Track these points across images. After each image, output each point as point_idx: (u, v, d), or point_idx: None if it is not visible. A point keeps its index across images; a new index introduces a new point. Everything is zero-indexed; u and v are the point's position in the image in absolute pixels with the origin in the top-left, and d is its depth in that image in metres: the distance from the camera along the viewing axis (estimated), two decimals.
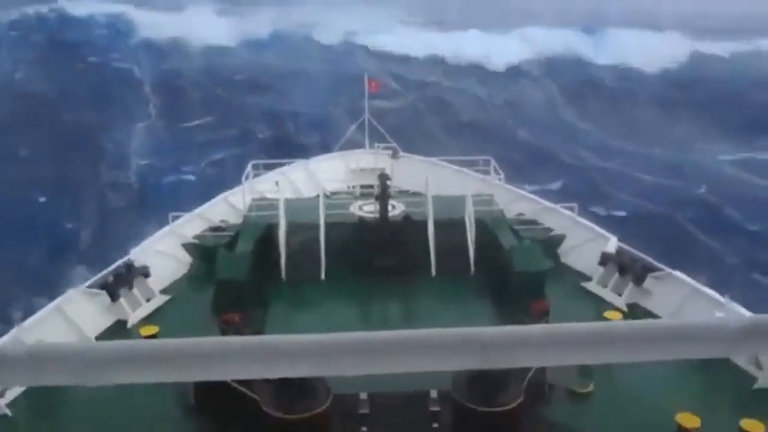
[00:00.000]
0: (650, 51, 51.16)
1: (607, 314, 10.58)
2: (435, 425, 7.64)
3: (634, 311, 11.24)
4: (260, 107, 39.26)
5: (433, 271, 11.99)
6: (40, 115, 35.10)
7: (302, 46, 54.62)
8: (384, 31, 56.72)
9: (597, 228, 13.39)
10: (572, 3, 64.40)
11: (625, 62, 50.65)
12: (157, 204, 23.06)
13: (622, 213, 25.98)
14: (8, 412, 8.23)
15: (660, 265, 11.74)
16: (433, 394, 7.86)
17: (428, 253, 12.07)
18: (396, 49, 53.95)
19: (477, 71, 49.49)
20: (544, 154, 32.34)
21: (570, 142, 34.65)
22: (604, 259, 12.17)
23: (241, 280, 10.87)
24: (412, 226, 12.37)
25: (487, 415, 7.39)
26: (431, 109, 40.01)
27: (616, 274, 11.86)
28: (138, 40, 52.97)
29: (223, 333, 9.31)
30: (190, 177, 29.95)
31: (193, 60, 48.90)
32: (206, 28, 53.59)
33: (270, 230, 12.20)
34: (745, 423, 7.59)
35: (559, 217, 14.01)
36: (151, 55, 49.53)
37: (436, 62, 51.96)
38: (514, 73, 49.87)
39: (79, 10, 57.07)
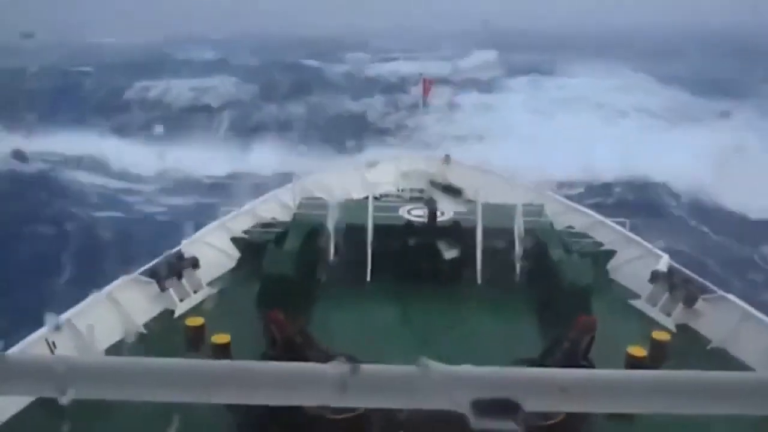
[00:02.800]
0: None
1: (655, 334, 10.29)
2: None
3: (684, 332, 10.96)
4: None
5: (479, 279, 11.90)
6: None
7: None
8: None
9: (648, 245, 13.13)
10: None
11: None
12: None
13: None
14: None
15: (713, 287, 11.45)
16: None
17: (475, 260, 11.98)
18: None
19: None
20: None
21: None
22: (655, 277, 11.91)
23: (288, 276, 10.95)
24: (461, 232, 12.30)
25: (527, 430, 7.26)
26: None
27: (667, 293, 11.59)
28: None
29: (268, 329, 9.40)
30: None
31: None
32: None
33: (318, 229, 12.27)
34: None
35: (610, 232, 13.79)
36: None
37: None
38: None
39: None
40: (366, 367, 1.60)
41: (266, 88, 55.72)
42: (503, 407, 1.64)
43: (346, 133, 44.08)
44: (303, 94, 54.90)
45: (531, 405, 1.65)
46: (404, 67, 62.28)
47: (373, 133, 44.26)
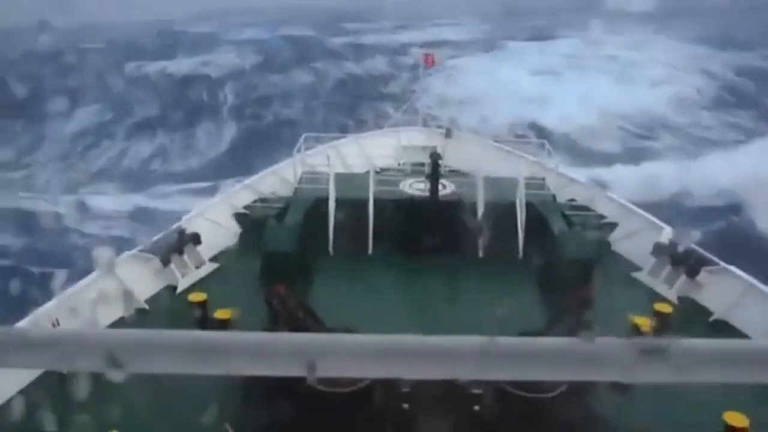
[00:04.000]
0: None
1: (657, 306, 10.31)
2: (476, 407, 7.60)
3: (686, 304, 10.97)
4: None
5: (481, 253, 11.88)
6: None
7: None
8: None
9: (651, 217, 13.06)
10: None
11: None
12: None
13: None
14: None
15: (715, 259, 11.42)
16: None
17: (476, 234, 11.95)
18: None
19: None
20: None
21: None
22: (657, 250, 11.89)
23: (289, 251, 10.96)
24: (462, 206, 12.25)
25: (529, 401, 7.32)
26: None
27: (669, 266, 11.57)
28: None
29: (269, 303, 9.44)
30: None
31: None
32: None
33: (319, 204, 12.22)
34: None
35: (613, 205, 13.73)
36: None
37: None
38: None
39: None
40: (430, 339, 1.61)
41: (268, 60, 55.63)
42: None
43: (349, 98, 44.54)
44: (306, 62, 54.83)
45: (546, 374, 1.64)
46: (405, 37, 61.94)
47: (375, 98, 44.62)
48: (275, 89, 48.33)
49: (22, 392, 8.12)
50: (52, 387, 7.76)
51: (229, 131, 39.61)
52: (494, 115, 36.29)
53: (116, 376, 1.55)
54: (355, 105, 43.30)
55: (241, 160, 32.99)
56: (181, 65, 53.60)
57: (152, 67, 51.98)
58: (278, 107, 43.98)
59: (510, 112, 36.62)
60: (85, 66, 47.62)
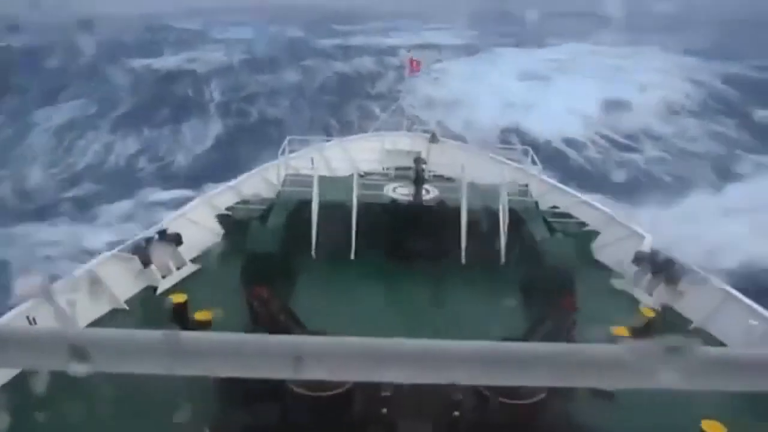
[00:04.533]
0: None
1: (637, 314, 10.40)
2: (456, 413, 7.60)
3: (666, 313, 11.04)
4: None
5: (463, 259, 11.91)
6: None
7: None
8: None
9: (633, 225, 13.15)
10: None
11: None
12: None
13: None
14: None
15: (695, 268, 11.52)
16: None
17: (459, 240, 11.98)
18: None
19: None
20: None
21: None
22: (638, 258, 11.96)
23: (271, 253, 10.92)
24: (445, 211, 12.27)
25: (509, 407, 7.33)
26: None
27: (650, 274, 11.65)
28: None
29: (251, 306, 9.39)
30: None
31: None
32: None
33: (303, 206, 12.19)
34: None
35: (595, 212, 13.79)
36: None
37: None
38: None
39: None
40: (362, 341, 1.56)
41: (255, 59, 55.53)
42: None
43: (336, 97, 44.52)
44: (295, 60, 54.75)
45: (522, 380, 1.60)
46: (393, 40, 61.99)
47: (362, 97, 44.67)
48: (262, 87, 48.12)
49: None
50: (22, 387, 7.70)
51: (215, 128, 39.37)
52: (480, 119, 36.43)
53: (81, 370, 1.51)
54: (341, 104, 43.26)
55: (226, 157, 32.72)
56: (168, 61, 53.32)
57: (138, 63, 51.63)
58: (264, 105, 43.82)
59: (496, 117, 36.76)
60: (70, 60, 47.30)
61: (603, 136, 37.02)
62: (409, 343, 1.58)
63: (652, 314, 10.45)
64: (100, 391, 6.73)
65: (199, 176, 29.15)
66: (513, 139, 33.77)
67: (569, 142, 35.54)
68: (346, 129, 36.40)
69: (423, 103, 33.88)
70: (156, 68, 50.71)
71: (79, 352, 1.52)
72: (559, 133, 35.67)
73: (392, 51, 53.21)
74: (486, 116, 37.27)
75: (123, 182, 29.86)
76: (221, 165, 31.13)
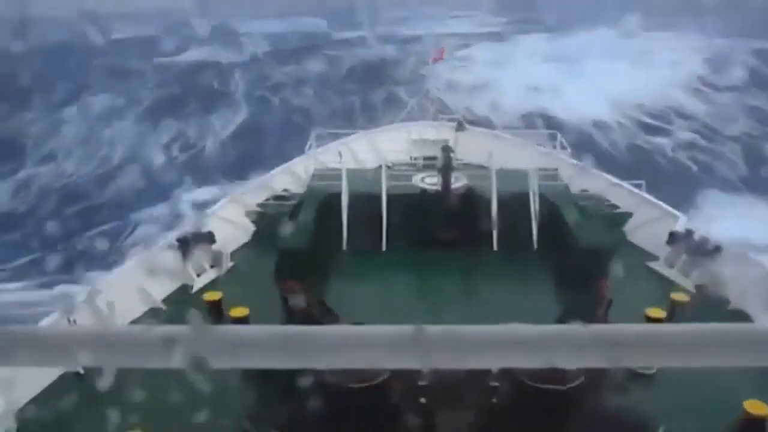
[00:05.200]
0: None
1: (673, 296, 10.27)
2: (494, 400, 7.61)
3: (702, 293, 10.92)
4: None
5: (495, 246, 11.86)
6: None
7: None
8: None
9: (665, 206, 12.99)
10: None
11: None
12: None
13: None
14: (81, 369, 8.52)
15: (731, 246, 11.35)
16: (494, 369, 7.80)
17: (490, 227, 11.93)
18: None
19: None
20: None
21: None
22: (672, 239, 11.82)
23: (303, 248, 10.98)
24: (475, 198, 12.21)
25: (547, 393, 7.31)
26: None
27: (684, 254, 11.51)
28: None
29: (285, 301, 9.48)
30: None
31: None
32: None
33: (332, 200, 12.21)
34: None
35: (626, 194, 13.65)
36: None
37: None
38: None
39: None
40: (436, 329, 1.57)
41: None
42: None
43: (361, 85, 44.44)
44: (318, 50, 54.70)
45: (573, 362, 1.62)
46: (416, 30, 60.98)
47: (388, 84, 44.63)
48: (287, 77, 48.42)
49: (44, 391, 8.27)
50: (71, 385, 7.90)
51: (240, 118, 39.95)
52: (505, 103, 36.07)
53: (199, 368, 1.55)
54: (366, 91, 43.37)
55: (253, 148, 33.60)
56: (191, 55, 53.62)
57: (162, 57, 52.06)
58: (290, 95, 44.08)
59: (521, 100, 36.35)
60: (95, 56, 47.86)
61: (630, 118, 36.35)
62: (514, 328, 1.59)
63: (687, 296, 10.37)
64: (142, 382, 6.91)
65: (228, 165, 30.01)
66: (538, 123, 33.55)
67: (597, 124, 34.97)
68: (372, 115, 36.84)
69: (447, 88, 33.79)
70: (179, 61, 51.02)
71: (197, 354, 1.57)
72: (586, 115, 35.11)
73: (416, 39, 52.88)
74: (511, 100, 36.92)
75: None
76: (249, 153, 32.30)
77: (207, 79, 47.26)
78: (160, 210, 26.64)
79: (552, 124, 33.30)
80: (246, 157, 31.69)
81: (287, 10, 73.03)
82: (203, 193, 27.70)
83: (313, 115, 39.15)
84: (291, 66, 51.23)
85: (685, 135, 34.33)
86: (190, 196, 27.65)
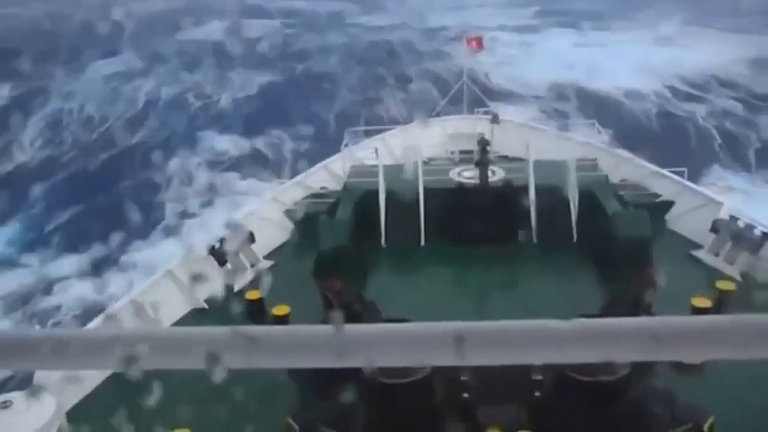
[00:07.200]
0: None
1: (719, 284, 10.06)
2: (537, 394, 7.56)
3: (748, 281, 10.71)
4: None
5: (534, 239, 11.76)
6: None
7: None
8: None
9: (708, 193, 12.75)
10: None
11: None
12: None
13: None
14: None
15: None
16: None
17: (529, 219, 11.82)
18: None
19: None
20: None
21: None
22: (716, 226, 11.60)
23: (342, 245, 10.97)
24: (513, 192, 12.09)
25: (592, 386, 7.22)
26: None
27: (729, 242, 11.30)
28: None
29: (325, 299, 9.49)
30: None
31: None
32: None
33: (369, 196, 12.19)
34: None
35: (668, 182, 13.39)
36: None
37: None
38: None
39: None
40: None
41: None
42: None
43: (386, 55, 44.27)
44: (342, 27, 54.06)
45: (626, 356, 1.59)
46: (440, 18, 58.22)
47: (412, 55, 44.25)
48: (312, 45, 48.25)
49: (91, 394, 8.42)
50: (117, 388, 8.02)
51: (264, 78, 40.17)
52: (529, 76, 35.35)
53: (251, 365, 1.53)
54: (391, 62, 42.87)
55: (276, 105, 34.11)
56: (213, 29, 53.27)
57: (182, 33, 51.87)
58: (315, 63, 43.88)
59: (546, 73, 35.55)
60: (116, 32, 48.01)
61: (669, 87, 35.40)
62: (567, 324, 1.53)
63: (733, 284, 10.18)
64: (181, 381, 6.97)
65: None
66: (569, 93, 32.77)
67: (630, 94, 34.08)
68: (400, 84, 36.60)
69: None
70: (201, 37, 50.75)
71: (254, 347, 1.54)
72: (620, 85, 34.29)
73: (441, 28, 51.50)
74: (535, 73, 36.17)
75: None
76: (272, 110, 33.07)
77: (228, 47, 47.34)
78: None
79: (582, 95, 32.67)
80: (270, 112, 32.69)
81: None
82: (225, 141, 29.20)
83: (339, 80, 39.48)
84: (314, 34, 50.82)
85: (724, 102, 33.41)
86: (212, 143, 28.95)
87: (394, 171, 12.77)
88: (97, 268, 19.81)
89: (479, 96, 18.20)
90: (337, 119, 30.69)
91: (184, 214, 22.11)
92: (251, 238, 11.90)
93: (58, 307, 18.01)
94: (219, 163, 27.69)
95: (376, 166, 12.46)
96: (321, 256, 11.04)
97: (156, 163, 26.34)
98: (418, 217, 11.96)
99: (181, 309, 10.51)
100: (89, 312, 15.40)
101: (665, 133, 29.47)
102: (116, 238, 20.30)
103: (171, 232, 21.41)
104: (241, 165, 27.09)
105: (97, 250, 20.58)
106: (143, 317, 9.48)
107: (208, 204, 22.63)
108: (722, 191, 19.12)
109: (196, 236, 14.76)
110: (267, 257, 12.23)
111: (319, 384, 8.10)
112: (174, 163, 27.15)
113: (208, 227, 18.41)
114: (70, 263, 20.20)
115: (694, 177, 16.13)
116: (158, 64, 42.62)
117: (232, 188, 24.27)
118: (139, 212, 21.72)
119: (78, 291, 18.69)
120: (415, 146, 13.86)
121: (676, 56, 39.35)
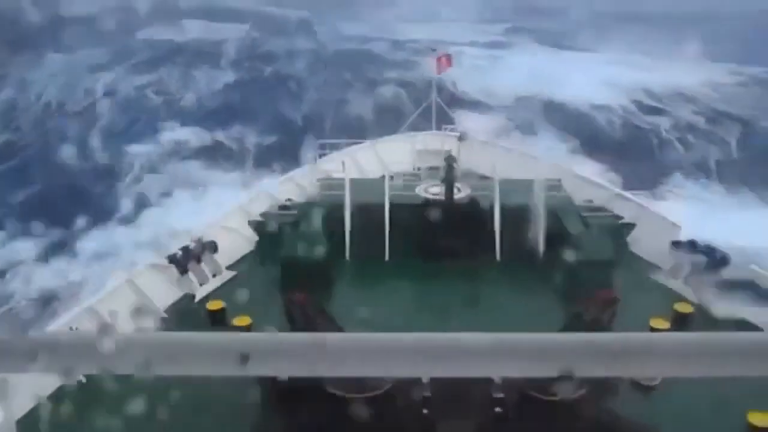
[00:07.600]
0: None
1: (677, 306, 10.30)
2: (497, 410, 7.60)
3: (705, 303, 10.90)
4: None
5: (498, 256, 11.84)
6: None
7: None
8: None
9: (668, 216, 12.96)
10: None
11: None
12: None
13: None
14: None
15: (733, 257, 11.34)
16: (497, 379, 7.68)
17: (493, 237, 11.90)
18: None
19: None
20: None
21: None
22: (675, 249, 11.81)
23: (306, 257, 10.91)
24: (478, 209, 12.16)
25: (550, 404, 7.29)
26: None
27: (688, 265, 11.50)
28: None
29: (289, 311, 9.41)
30: None
31: None
32: None
33: (335, 209, 12.17)
34: None
35: (630, 205, 13.62)
36: None
37: None
38: None
39: None
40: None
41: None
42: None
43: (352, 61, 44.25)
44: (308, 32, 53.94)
45: (582, 371, 1.60)
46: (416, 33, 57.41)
47: (379, 63, 44.41)
48: (279, 48, 48.23)
49: (48, 398, 8.19)
50: (72, 394, 7.81)
51: (229, 77, 40.38)
52: (497, 88, 35.65)
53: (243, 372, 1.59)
54: (357, 66, 42.96)
55: (244, 101, 34.20)
56: (181, 29, 52.77)
57: (147, 32, 51.36)
58: (281, 65, 43.95)
59: (517, 87, 35.90)
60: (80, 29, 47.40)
61: (636, 102, 36.11)
62: (454, 337, 1.58)
63: (690, 307, 10.38)
64: (152, 390, 6.82)
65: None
66: (533, 104, 33.07)
67: (598, 107, 34.67)
68: (369, 87, 36.92)
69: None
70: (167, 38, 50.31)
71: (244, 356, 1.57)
72: (587, 99, 34.81)
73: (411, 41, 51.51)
74: (503, 84, 36.50)
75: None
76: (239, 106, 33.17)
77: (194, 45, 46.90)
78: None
79: (549, 106, 33.01)
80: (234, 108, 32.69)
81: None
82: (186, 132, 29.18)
83: (306, 81, 39.75)
84: (282, 39, 50.71)
85: (688, 116, 34.28)
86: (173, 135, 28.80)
87: (361, 185, 12.81)
88: (51, 253, 19.44)
89: (447, 113, 18.26)
90: (303, 119, 31.11)
91: (142, 203, 21.99)
92: (214, 247, 11.75)
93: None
94: (178, 153, 27.66)
95: (342, 180, 12.44)
96: (285, 267, 10.97)
97: (115, 152, 26.60)
98: (383, 231, 11.97)
99: (141, 318, 10.29)
100: (45, 298, 15.53)
101: (629, 143, 30.26)
102: (73, 224, 20.15)
103: (126, 220, 21.17)
104: (202, 155, 27.13)
105: (54, 235, 20.22)
106: (101, 325, 9.25)
107: (167, 194, 22.51)
108: (677, 198, 19.74)
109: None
110: (230, 267, 12.09)
111: (278, 397, 8.05)
112: (132, 150, 27.35)
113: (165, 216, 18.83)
114: (25, 247, 19.84)
115: (654, 184, 16.45)
116: (123, 60, 42.52)
117: (192, 178, 24.14)
118: (96, 199, 21.83)
119: (33, 276, 18.33)
120: (382, 161, 13.88)
121: (643, 75, 40.20)
